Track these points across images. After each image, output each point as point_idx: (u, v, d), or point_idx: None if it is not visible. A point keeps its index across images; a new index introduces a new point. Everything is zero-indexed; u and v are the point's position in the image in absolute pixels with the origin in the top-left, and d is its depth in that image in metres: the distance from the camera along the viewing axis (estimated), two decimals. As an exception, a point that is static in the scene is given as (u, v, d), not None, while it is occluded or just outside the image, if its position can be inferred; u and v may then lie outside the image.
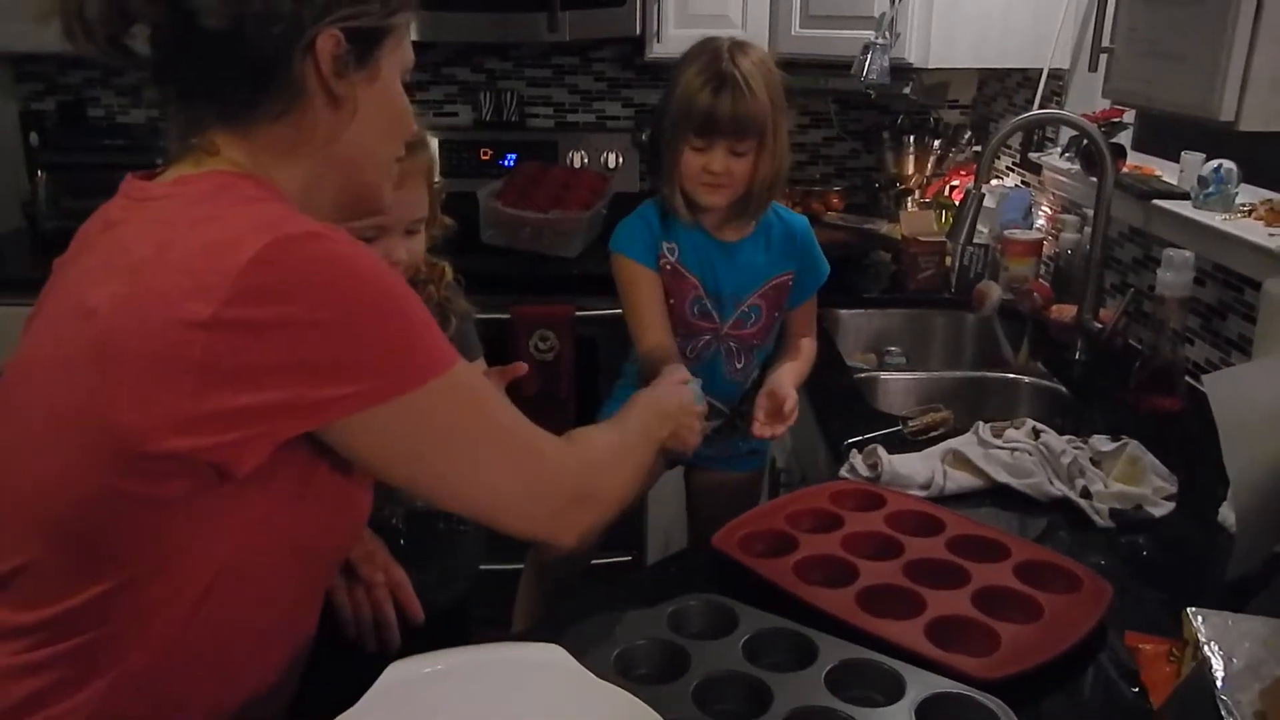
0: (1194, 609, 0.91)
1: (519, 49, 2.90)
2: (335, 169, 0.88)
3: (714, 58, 1.50)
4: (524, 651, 0.90)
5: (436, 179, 1.32)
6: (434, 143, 2.57)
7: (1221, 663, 0.84)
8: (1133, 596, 1.10)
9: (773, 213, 1.66)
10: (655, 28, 2.51)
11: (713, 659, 0.93)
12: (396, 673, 0.83)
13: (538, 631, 1.01)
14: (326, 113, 0.85)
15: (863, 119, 2.92)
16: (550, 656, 0.87)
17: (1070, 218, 2.18)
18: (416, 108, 1.23)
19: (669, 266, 1.63)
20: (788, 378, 1.59)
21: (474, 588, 1.44)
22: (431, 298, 1.32)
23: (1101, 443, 1.39)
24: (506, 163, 2.84)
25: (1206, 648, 0.86)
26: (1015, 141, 2.51)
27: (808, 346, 1.72)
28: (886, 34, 2.28)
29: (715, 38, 1.55)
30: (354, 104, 0.85)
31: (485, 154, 2.85)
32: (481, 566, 1.45)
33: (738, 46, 1.53)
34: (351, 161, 0.88)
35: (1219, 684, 0.83)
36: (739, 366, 1.68)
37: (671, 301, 1.64)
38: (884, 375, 1.95)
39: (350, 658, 1.08)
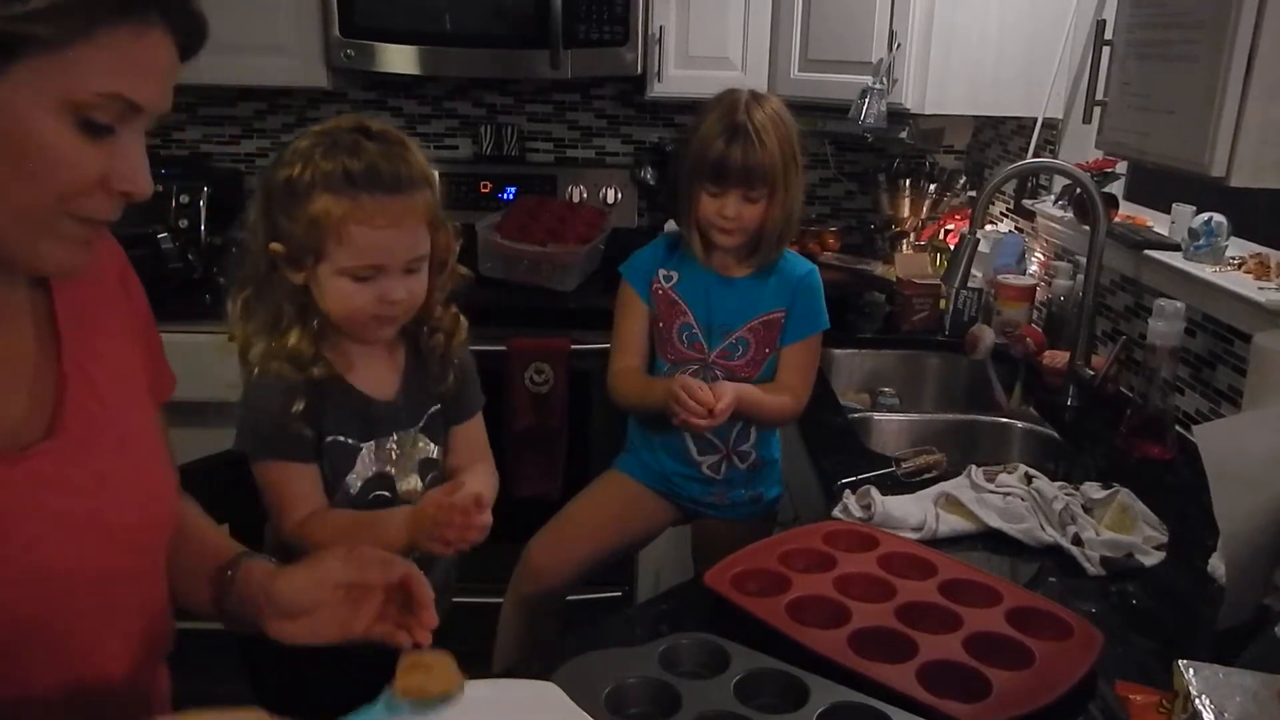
0: (1185, 661, 0.91)
1: (520, 84, 2.94)
2: None
3: (731, 108, 1.57)
4: (518, 689, 0.90)
5: (448, 221, 1.25)
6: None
7: (1213, 716, 0.85)
8: (1123, 645, 1.10)
9: (780, 255, 1.68)
10: (656, 68, 2.55)
11: (704, 698, 0.93)
12: (388, 707, 0.83)
13: (530, 668, 1.01)
14: None
15: (859, 161, 2.96)
16: (544, 694, 0.87)
17: (1063, 264, 2.20)
18: (419, 140, 1.20)
19: (661, 292, 1.69)
20: (739, 388, 1.58)
21: (449, 619, 1.41)
22: (436, 349, 1.29)
23: (1093, 490, 1.39)
24: (506, 196, 2.86)
25: (1198, 701, 0.86)
26: (1009, 188, 2.54)
27: (783, 397, 1.66)
28: (884, 79, 2.32)
29: (737, 89, 1.62)
30: None
31: (485, 187, 2.88)
32: (456, 599, 1.43)
33: (755, 99, 1.59)
34: None
35: (1210, 736, 0.83)
36: None
37: (660, 325, 1.69)
38: (877, 416, 1.95)
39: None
